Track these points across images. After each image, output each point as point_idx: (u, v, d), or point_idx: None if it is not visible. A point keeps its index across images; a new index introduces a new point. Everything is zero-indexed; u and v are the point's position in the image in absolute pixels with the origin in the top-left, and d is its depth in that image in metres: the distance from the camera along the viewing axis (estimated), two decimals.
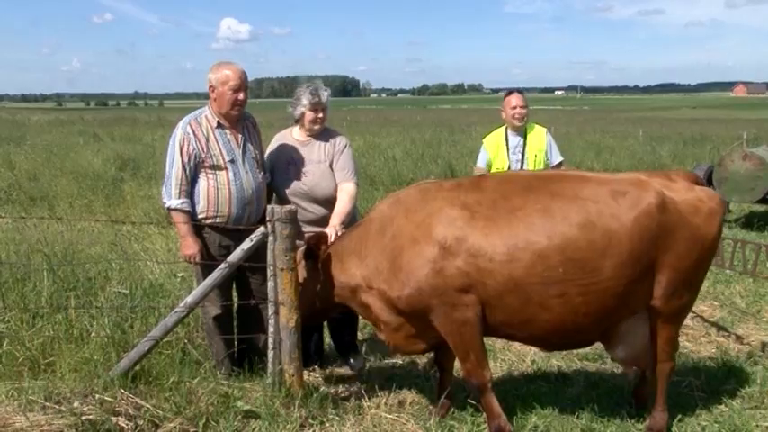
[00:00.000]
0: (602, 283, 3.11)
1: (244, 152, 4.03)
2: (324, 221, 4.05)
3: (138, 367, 3.65)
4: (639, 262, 3.14)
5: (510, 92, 5.23)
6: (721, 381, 4.19)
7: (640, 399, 3.74)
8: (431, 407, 3.74)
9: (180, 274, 5.46)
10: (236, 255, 3.64)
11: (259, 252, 3.61)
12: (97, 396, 3.31)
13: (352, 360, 4.54)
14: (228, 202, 3.96)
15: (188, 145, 3.89)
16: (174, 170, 3.90)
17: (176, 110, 51.61)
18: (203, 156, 3.91)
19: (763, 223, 9.53)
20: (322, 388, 3.87)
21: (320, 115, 4.19)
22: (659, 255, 3.18)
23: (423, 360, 4.56)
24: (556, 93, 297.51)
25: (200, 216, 3.96)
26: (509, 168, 5.11)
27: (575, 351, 4.64)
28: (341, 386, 4.17)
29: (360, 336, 4.94)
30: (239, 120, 4.05)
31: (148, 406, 3.32)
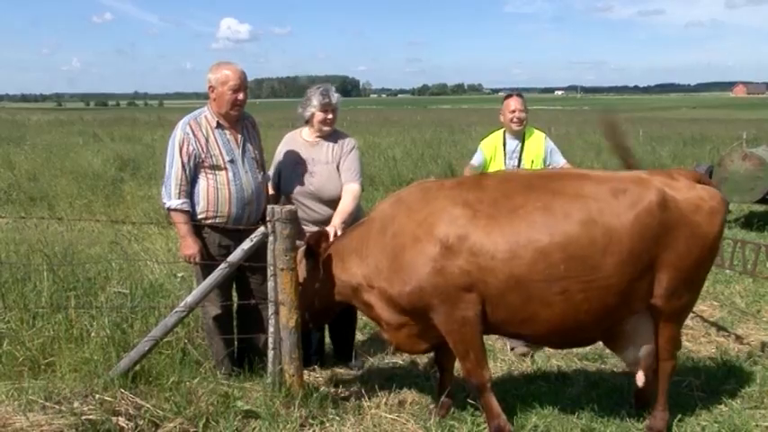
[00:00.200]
0: (603, 280, 3.12)
1: (243, 152, 4.03)
2: (329, 222, 4.06)
3: (138, 367, 3.65)
4: (640, 260, 3.14)
5: (509, 95, 5.11)
6: (721, 381, 4.20)
7: (641, 399, 3.73)
8: (431, 407, 3.73)
9: (180, 274, 5.45)
10: (236, 255, 3.65)
11: (259, 252, 3.61)
12: (97, 396, 3.32)
13: (352, 360, 4.54)
14: (228, 202, 3.96)
15: (188, 145, 3.90)
16: (174, 170, 3.90)
17: (176, 110, 51.58)
18: (203, 156, 3.91)
19: (763, 223, 9.52)
20: (322, 388, 3.86)
21: (330, 116, 4.23)
22: (660, 253, 3.18)
23: (423, 360, 4.56)
24: (556, 93, 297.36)
25: (199, 216, 3.96)
26: None
27: (575, 351, 4.65)
28: (341, 386, 4.16)
29: (360, 336, 4.94)
30: (239, 120, 4.06)
31: (148, 406, 3.33)
